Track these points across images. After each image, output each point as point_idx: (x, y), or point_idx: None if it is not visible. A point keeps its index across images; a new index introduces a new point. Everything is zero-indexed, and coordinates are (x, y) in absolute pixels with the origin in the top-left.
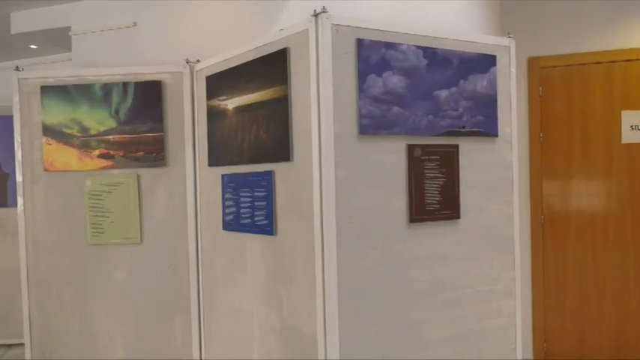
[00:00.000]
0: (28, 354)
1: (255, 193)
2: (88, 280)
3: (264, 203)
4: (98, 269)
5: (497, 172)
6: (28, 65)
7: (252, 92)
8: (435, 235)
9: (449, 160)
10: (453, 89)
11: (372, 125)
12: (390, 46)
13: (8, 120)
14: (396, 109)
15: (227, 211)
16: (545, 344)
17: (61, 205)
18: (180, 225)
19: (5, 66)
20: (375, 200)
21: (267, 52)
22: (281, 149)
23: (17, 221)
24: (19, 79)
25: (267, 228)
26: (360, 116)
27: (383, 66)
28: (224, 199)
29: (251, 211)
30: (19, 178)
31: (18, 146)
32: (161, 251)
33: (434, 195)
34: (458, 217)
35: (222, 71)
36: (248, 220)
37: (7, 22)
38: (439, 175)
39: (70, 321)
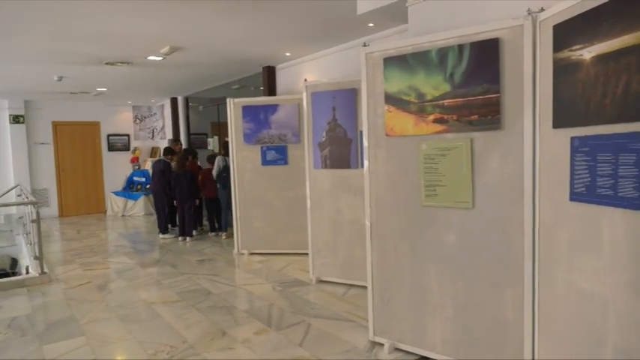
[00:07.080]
0: (369, 296)
1: (621, 159)
2: (421, 239)
3: (635, 171)
4: (430, 230)
5: None
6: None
7: (622, 34)
8: None
9: None
10: None
11: None
12: None
13: (349, 93)
14: None
15: (578, 179)
16: None
17: (398, 168)
18: (515, 192)
19: (346, 46)
20: None
21: None
22: None
23: (358, 181)
24: (365, 53)
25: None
26: None
27: None
28: (574, 166)
29: (613, 180)
30: (365, 143)
31: (365, 115)
32: (493, 218)
33: None
34: None
35: (577, 16)
36: (608, 192)
37: (354, 4)
38: None
39: (404, 274)
